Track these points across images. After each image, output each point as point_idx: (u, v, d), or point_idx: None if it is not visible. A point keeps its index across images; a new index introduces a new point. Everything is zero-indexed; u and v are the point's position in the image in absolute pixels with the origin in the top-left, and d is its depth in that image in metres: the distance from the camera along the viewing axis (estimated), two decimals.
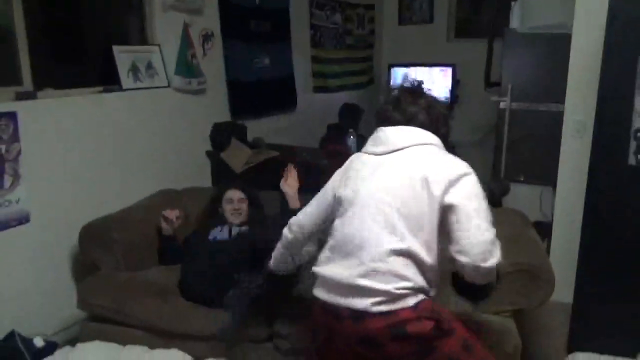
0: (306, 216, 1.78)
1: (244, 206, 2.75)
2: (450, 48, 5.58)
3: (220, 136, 3.45)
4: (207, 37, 3.48)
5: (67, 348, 2.33)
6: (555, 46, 3.29)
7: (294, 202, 2.54)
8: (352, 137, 3.27)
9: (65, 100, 2.65)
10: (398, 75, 5.62)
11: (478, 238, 1.45)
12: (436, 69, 5.43)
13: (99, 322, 2.44)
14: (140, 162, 3.07)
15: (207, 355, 2.24)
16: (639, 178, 2.22)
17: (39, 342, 2.37)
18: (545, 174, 3.58)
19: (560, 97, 2.99)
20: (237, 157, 3.28)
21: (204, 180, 3.53)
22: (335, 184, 1.68)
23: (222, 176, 3.39)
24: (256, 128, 3.82)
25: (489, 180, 3.65)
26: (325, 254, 1.60)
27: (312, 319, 1.65)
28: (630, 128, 2.20)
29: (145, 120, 3.08)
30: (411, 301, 1.46)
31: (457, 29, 5.72)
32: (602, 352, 2.41)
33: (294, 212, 2.63)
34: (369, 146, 1.66)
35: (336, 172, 1.73)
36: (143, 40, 3.22)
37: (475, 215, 1.47)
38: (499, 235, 2.34)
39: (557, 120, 3.06)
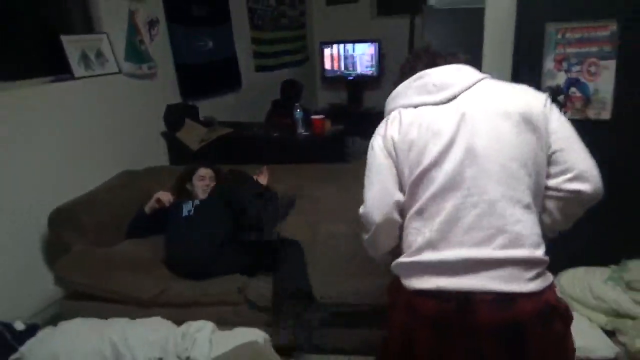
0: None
1: (213, 184, 2.72)
2: (375, 25, 5.61)
3: (174, 117, 3.34)
4: (152, 23, 3.30)
5: (49, 328, 2.22)
6: (471, 20, 3.39)
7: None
8: (298, 110, 3.26)
9: (17, 91, 2.46)
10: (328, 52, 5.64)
11: (591, 160, 1.17)
12: (364, 45, 5.48)
13: (77, 300, 2.36)
14: (99, 147, 2.92)
15: (186, 319, 2.23)
16: None
17: (19, 325, 2.23)
18: None
19: (477, 68, 3.11)
20: (192, 135, 3.19)
21: (161, 160, 3.42)
22: (397, 159, 1.21)
23: (179, 155, 3.30)
24: (206, 108, 3.71)
25: None
26: (423, 237, 1.15)
27: (404, 317, 1.19)
28: (540, 88, 2.34)
29: (100, 107, 2.92)
30: (550, 277, 1.15)
31: (380, 6, 5.74)
32: None
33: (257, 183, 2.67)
34: (417, 97, 1.24)
35: (376, 149, 1.26)
36: (89, 28, 3.02)
37: (577, 137, 1.20)
38: None
39: None
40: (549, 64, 2.31)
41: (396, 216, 1.23)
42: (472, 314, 1.08)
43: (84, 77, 2.80)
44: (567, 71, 2.29)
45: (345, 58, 5.60)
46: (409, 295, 1.16)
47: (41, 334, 2.19)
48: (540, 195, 1.18)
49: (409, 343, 1.18)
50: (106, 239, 2.50)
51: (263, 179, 2.78)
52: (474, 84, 1.22)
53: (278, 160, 2.98)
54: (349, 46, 5.57)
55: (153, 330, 2.18)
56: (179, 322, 2.23)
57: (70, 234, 2.43)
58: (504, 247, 1.09)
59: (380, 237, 1.28)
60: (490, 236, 1.09)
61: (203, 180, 2.69)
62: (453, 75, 1.24)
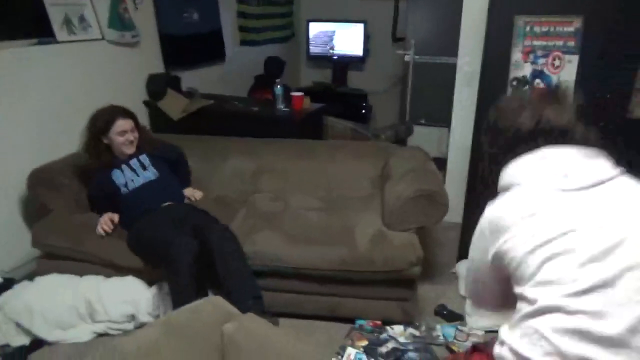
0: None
1: (136, 134, 2.50)
2: (362, 5, 5.62)
3: (157, 86, 3.37)
4: None
5: (26, 282, 2.31)
6: (451, 5, 3.46)
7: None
8: (278, 86, 3.32)
9: (1, 52, 2.48)
10: (314, 29, 5.65)
11: None
12: (350, 25, 5.51)
13: (53, 259, 2.42)
14: (81, 111, 2.92)
15: (158, 280, 2.32)
16: None
17: None
18: (442, 117, 3.85)
19: (456, 51, 3.19)
20: (174, 105, 3.23)
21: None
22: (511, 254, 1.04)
23: (161, 123, 3.34)
24: (189, 79, 3.75)
25: (396, 123, 3.87)
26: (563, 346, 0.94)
27: None
28: (507, 77, 2.44)
29: (82, 72, 2.94)
30: None
31: None
32: None
33: None
34: (545, 179, 1.05)
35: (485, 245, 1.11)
36: None
37: None
38: (406, 169, 2.56)
39: (453, 71, 3.26)
40: (516, 55, 2.41)
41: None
42: None
43: (67, 41, 2.82)
44: (532, 63, 2.40)
45: (331, 37, 5.64)
46: None
47: (17, 287, 2.28)
48: None
49: None
50: (84, 202, 2.56)
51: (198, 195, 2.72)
52: (613, 177, 1.05)
53: (256, 134, 3.06)
54: (335, 25, 5.60)
55: (126, 289, 2.29)
56: (150, 284, 2.34)
57: (48, 195, 2.48)
58: None
59: None
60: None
61: (124, 135, 2.44)
62: (594, 163, 1.06)
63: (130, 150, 2.48)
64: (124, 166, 2.46)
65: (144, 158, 2.53)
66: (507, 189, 1.12)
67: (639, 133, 2.30)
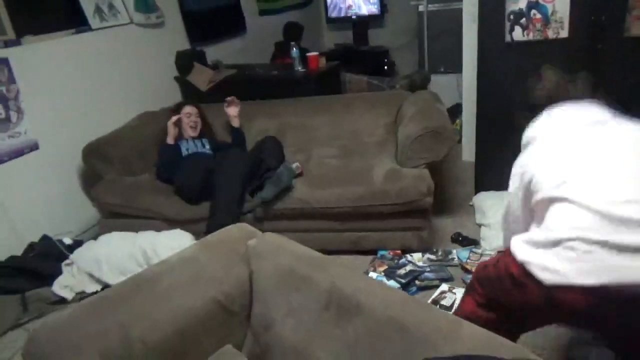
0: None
1: (199, 120, 3.01)
2: None
3: (184, 62, 3.66)
4: None
5: (92, 241, 2.70)
6: None
7: (236, 122, 3.06)
8: (295, 49, 3.53)
9: (46, 43, 2.81)
10: None
11: None
12: None
13: (111, 219, 2.81)
14: (121, 91, 3.30)
15: (200, 232, 2.65)
16: (514, 51, 2.60)
17: (67, 240, 2.73)
18: (459, 63, 3.95)
19: None
20: (201, 78, 3.52)
21: (176, 101, 3.75)
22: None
23: (192, 95, 3.64)
24: (213, 52, 4.02)
25: (411, 73, 4.01)
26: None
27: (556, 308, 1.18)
28: (504, 12, 2.55)
29: (117, 55, 3.26)
30: None
31: None
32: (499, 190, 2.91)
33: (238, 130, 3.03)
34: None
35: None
36: None
37: None
38: (415, 110, 2.75)
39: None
40: None
41: None
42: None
43: (100, 28, 3.13)
44: None
45: None
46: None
47: (86, 244, 2.67)
48: None
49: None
50: (132, 170, 2.91)
51: (233, 110, 3.06)
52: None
53: (278, 96, 3.30)
54: None
55: (175, 239, 2.63)
56: (196, 234, 2.67)
57: (101, 166, 2.85)
58: None
59: None
60: None
61: (189, 117, 2.97)
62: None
63: (194, 132, 2.96)
64: (191, 140, 2.95)
65: (205, 141, 2.97)
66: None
67: (635, 51, 2.38)
